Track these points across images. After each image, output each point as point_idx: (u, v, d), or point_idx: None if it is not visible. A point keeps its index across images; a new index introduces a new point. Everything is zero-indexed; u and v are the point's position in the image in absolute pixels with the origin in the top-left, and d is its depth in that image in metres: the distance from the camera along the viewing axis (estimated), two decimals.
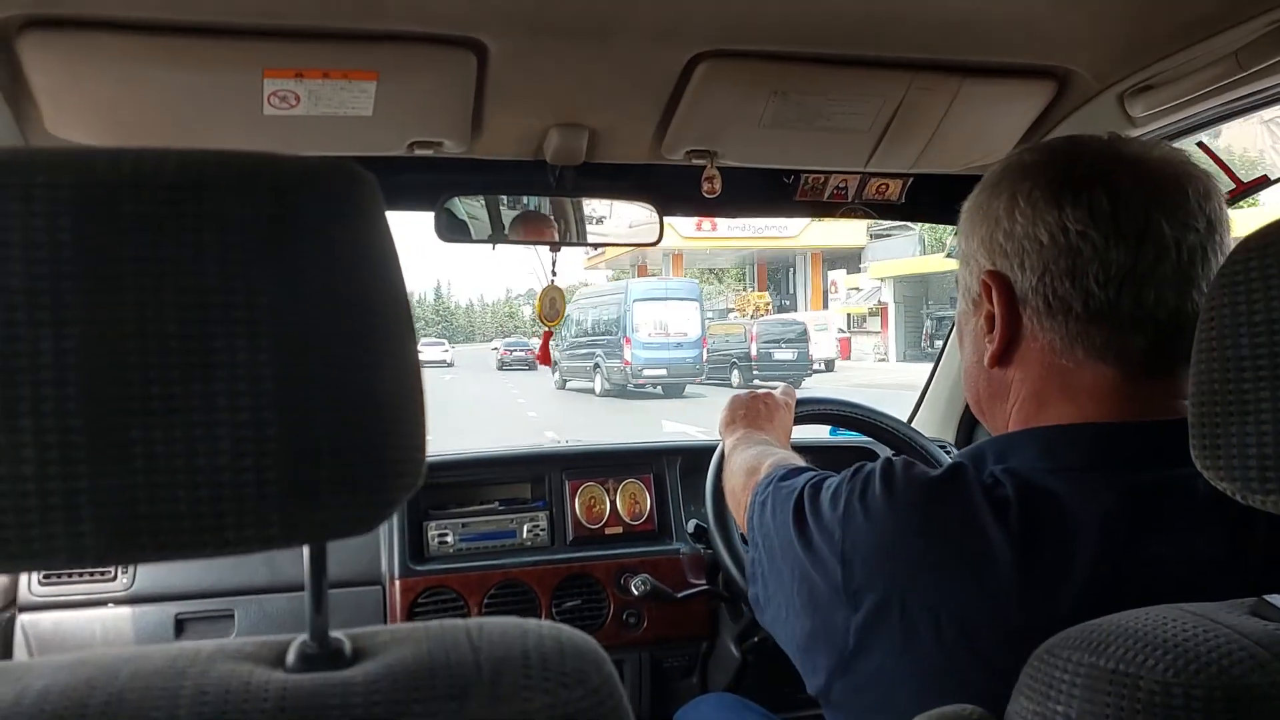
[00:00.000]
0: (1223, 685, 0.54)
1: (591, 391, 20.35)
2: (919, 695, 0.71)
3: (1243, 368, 0.60)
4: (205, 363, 0.43)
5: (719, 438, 1.40)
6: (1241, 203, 1.33)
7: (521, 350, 32.73)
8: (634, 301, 19.77)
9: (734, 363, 20.87)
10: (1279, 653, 0.55)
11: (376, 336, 0.48)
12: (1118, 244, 0.77)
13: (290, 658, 0.50)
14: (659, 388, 19.22)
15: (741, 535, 1.41)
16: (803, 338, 21.02)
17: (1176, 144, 1.32)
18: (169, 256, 0.43)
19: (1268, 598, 0.61)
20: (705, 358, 19.91)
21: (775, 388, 1.48)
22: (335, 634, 0.51)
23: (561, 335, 22.47)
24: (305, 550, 0.50)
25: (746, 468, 1.17)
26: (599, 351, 20.34)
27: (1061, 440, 0.79)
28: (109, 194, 0.43)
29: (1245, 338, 0.60)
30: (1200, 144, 1.38)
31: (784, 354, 20.40)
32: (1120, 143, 0.83)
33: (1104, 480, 0.75)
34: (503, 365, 32.58)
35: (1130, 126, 1.36)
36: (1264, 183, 1.34)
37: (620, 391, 19.34)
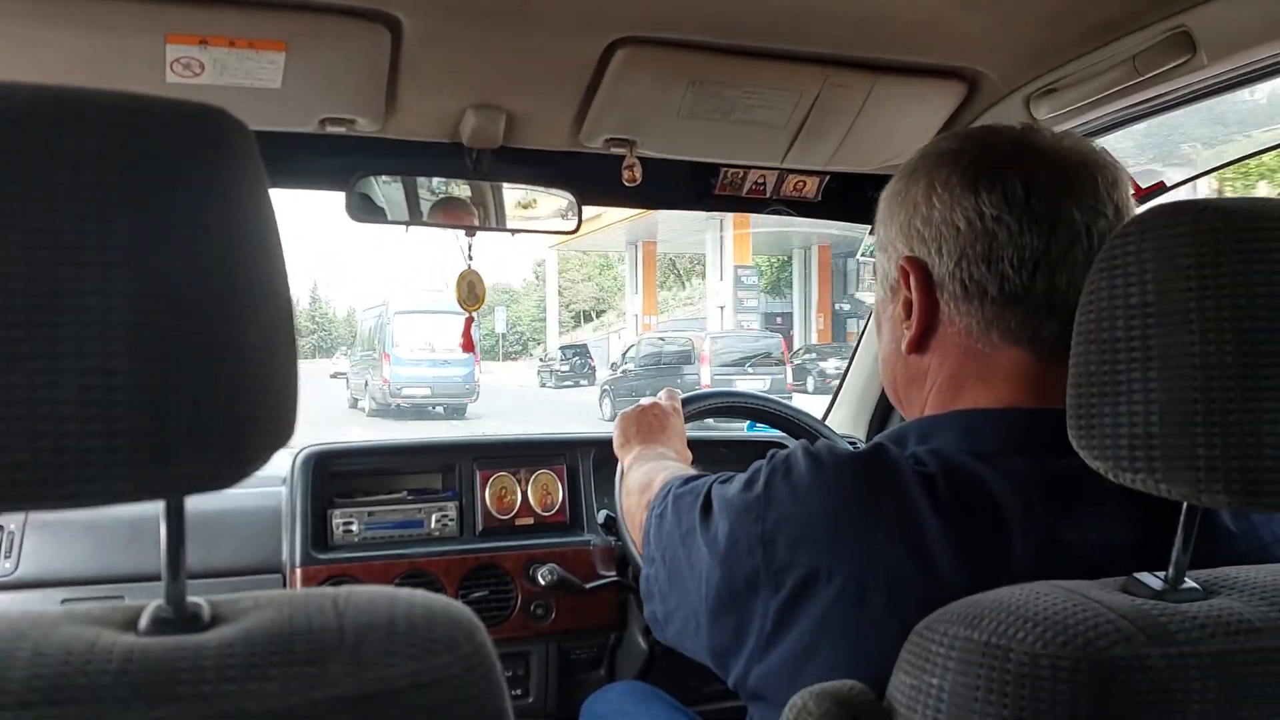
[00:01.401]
0: (1088, 657, 0.55)
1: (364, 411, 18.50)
2: (836, 667, 0.71)
3: (1117, 350, 0.61)
4: (52, 306, 0.41)
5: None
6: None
7: None
8: (395, 315, 18.18)
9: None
10: (1143, 626, 0.57)
11: (243, 288, 0.46)
12: (1031, 229, 0.78)
13: (143, 621, 0.48)
14: (439, 408, 17.57)
15: None
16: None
17: None
18: (16, 193, 0.41)
19: (1137, 575, 0.63)
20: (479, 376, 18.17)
21: (659, 395, 1.47)
22: (194, 599, 0.49)
23: (353, 351, 21.23)
24: (160, 506, 0.48)
25: (639, 485, 1.15)
26: (366, 368, 18.91)
27: (981, 424, 0.80)
28: None
29: (1120, 320, 0.61)
30: (1102, 149, 1.43)
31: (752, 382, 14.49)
32: (1033, 132, 0.85)
33: (1023, 464, 0.76)
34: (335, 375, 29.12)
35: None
36: (1160, 188, 1.39)
37: (389, 411, 17.38)
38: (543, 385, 25.02)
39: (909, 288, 0.85)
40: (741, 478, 0.85)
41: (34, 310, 0.41)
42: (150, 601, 0.49)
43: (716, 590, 0.82)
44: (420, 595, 0.51)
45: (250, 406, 0.46)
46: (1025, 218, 0.78)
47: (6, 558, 1.56)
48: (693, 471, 1.06)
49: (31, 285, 0.41)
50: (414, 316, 18.22)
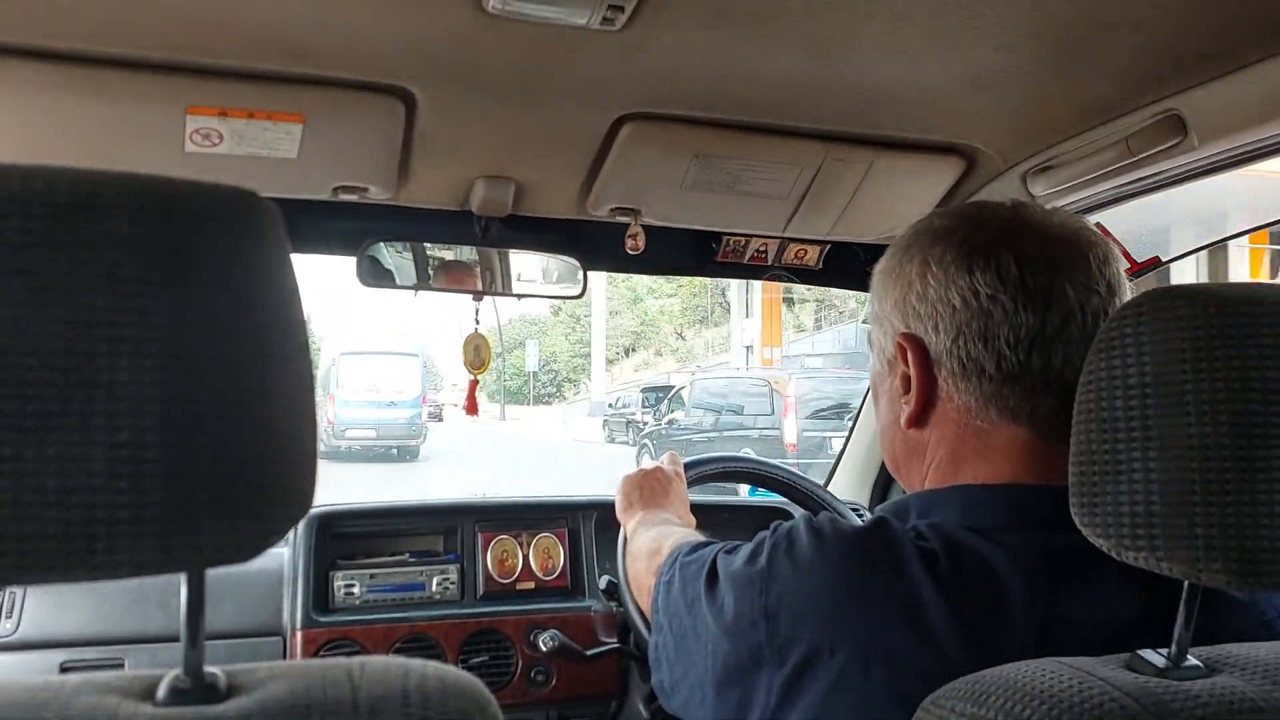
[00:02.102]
0: None
1: None
2: None
3: (1117, 429, 0.63)
4: (88, 381, 0.43)
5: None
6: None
7: None
8: (341, 356, 18.16)
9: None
10: (1147, 705, 0.58)
11: (270, 365, 0.48)
12: (1026, 307, 0.79)
13: (161, 692, 0.48)
14: (394, 450, 17.55)
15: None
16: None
17: None
18: (57, 273, 0.43)
19: (1141, 652, 0.64)
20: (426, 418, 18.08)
21: (661, 459, 1.47)
22: (211, 669, 0.49)
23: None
24: (182, 579, 0.49)
25: (648, 550, 1.15)
26: None
27: (982, 499, 0.81)
28: None
29: (1120, 400, 0.63)
30: (1099, 225, 1.46)
31: None
32: (1024, 209, 0.86)
33: (1024, 540, 0.76)
34: None
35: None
36: (1156, 263, 1.41)
37: (336, 454, 16.70)
38: (611, 440, 20.83)
39: (907, 363, 0.86)
40: (746, 549, 0.85)
41: (69, 385, 0.42)
42: (167, 671, 0.49)
43: (723, 662, 0.82)
44: (433, 667, 0.52)
45: (273, 478, 0.47)
46: (1020, 296, 0.79)
47: (8, 618, 1.55)
48: (700, 538, 1.07)
49: (69, 361, 0.42)
50: (360, 358, 18.24)
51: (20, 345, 0.42)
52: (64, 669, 1.56)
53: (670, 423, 14.87)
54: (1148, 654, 0.63)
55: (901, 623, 0.74)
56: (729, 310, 28.12)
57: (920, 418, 0.86)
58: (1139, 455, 0.61)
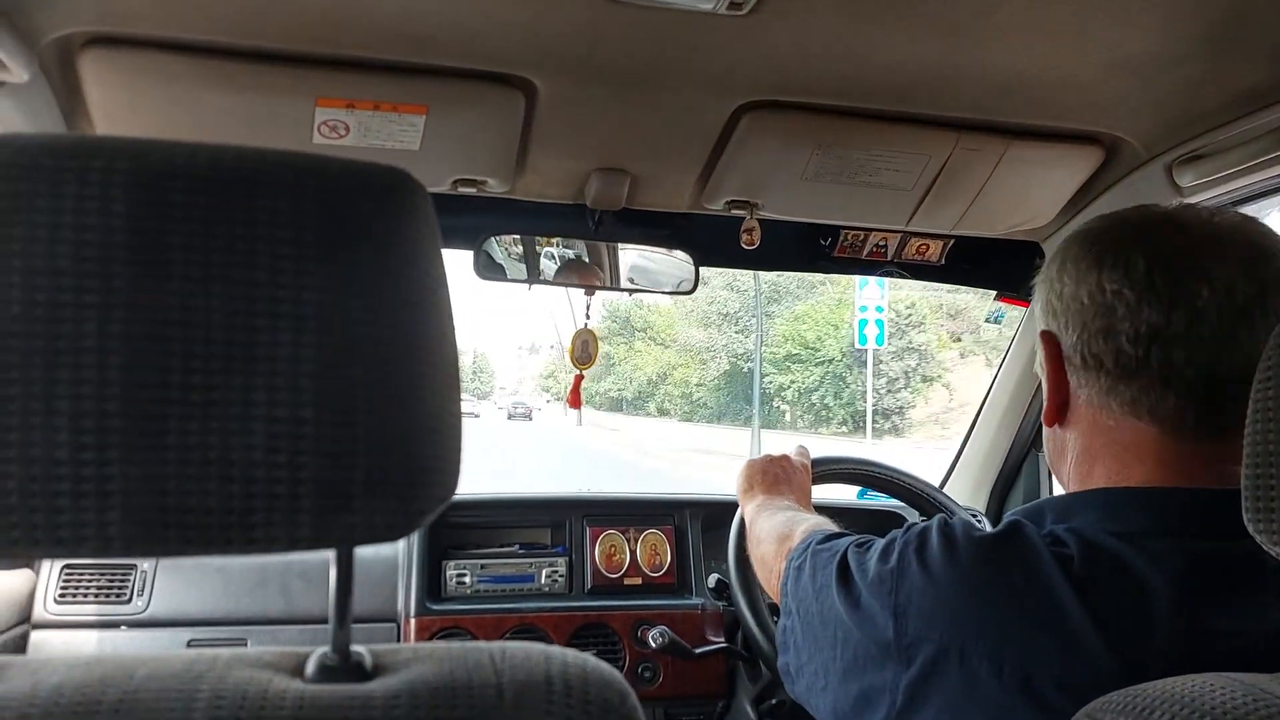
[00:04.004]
0: None
1: None
2: None
3: None
4: (247, 356, 0.42)
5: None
6: None
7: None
8: None
9: None
10: None
11: (421, 343, 0.47)
12: (1150, 304, 0.77)
13: (310, 668, 0.48)
14: None
15: (770, 604, 1.37)
16: None
17: None
18: (218, 249, 0.43)
19: None
20: None
21: (790, 450, 1.46)
22: (357, 648, 0.49)
23: None
24: (331, 556, 0.49)
25: (778, 535, 1.14)
26: None
27: (1124, 503, 0.78)
28: (162, 183, 0.43)
29: None
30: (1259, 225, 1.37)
31: None
32: (1179, 210, 0.84)
33: (1169, 548, 0.74)
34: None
35: (1177, 196, 1.35)
36: None
37: None
38: None
39: (1046, 360, 0.86)
40: (878, 546, 0.85)
41: (231, 359, 0.42)
42: (315, 649, 0.49)
43: (853, 652, 0.82)
44: (574, 655, 0.51)
45: (423, 458, 0.47)
46: (1145, 292, 0.78)
47: (140, 595, 1.62)
48: (834, 528, 1.07)
49: (231, 335, 0.42)
50: None
51: (186, 319, 0.42)
52: (191, 645, 1.62)
53: None
54: None
55: (1037, 626, 0.72)
56: None
57: (1059, 415, 0.86)
58: None
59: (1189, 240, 0.79)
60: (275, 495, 0.43)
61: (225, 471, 0.42)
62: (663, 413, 41.36)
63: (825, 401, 30.80)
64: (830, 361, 30.62)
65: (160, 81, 1.15)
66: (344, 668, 0.48)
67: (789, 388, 31.94)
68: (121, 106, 1.18)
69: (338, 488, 0.44)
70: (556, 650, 0.52)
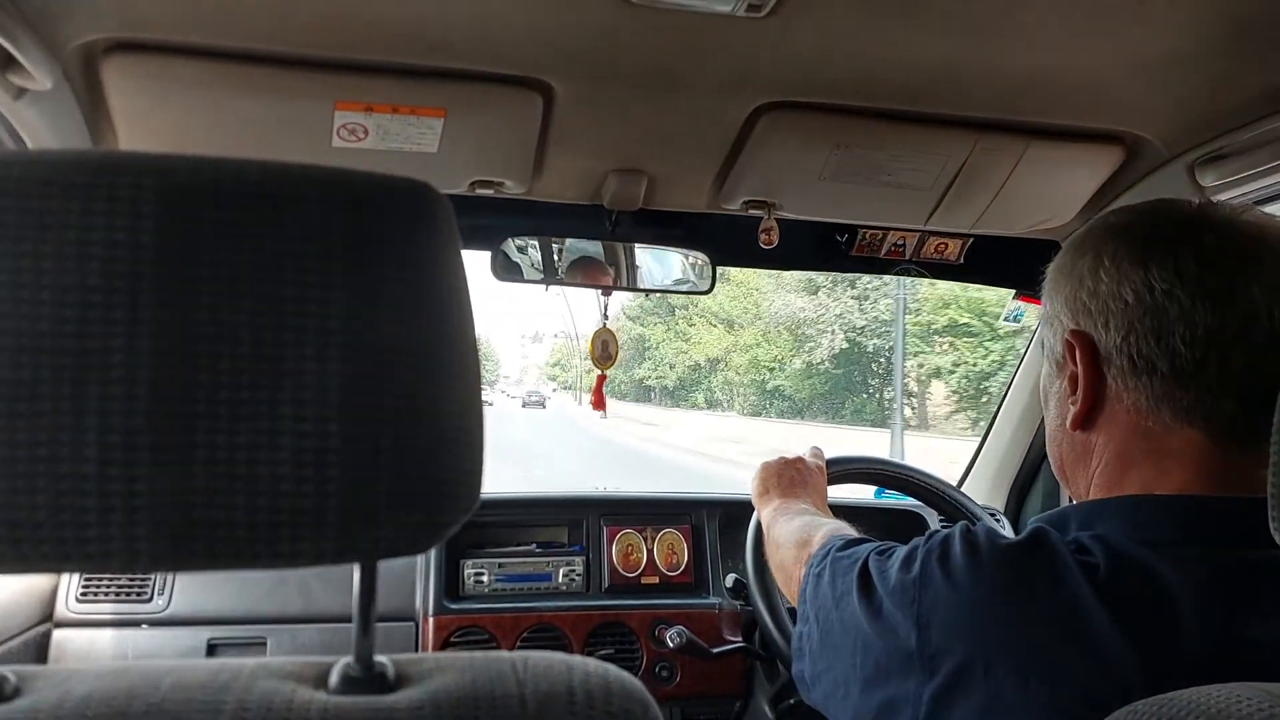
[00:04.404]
0: None
1: None
2: None
3: None
4: (275, 371, 0.43)
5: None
6: None
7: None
8: None
9: None
10: None
11: (444, 357, 0.47)
12: (1205, 305, 0.75)
13: (333, 679, 0.48)
14: None
15: (790, 608, 1.37)
16: None
17: None
18: (246, 264, 0.43)
19: None
20: None
21: (804, 451, 1.45)
22: (379, 658, 0.50)
23: None
24: (355, 570, 0.49)
25: (797, 540, 1.13)
26: None
27: (1153, 511, 0.76)
28: (190, 199, 0.43)
29: None
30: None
31: None
32: (1210, 206, 0.82)
33: (1197, 556, 0.72)
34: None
35: (1200, 196, 1.34)
36: None
37: None
38: None
39: (1075, 362, 0.82)
40: (900, 553, 0.83)
41: (258, 374, 0.43)
42: (337, 659, 0.50)
43: (874, 662, 0.81)
44: (595, 665, 0.51)
45: (447, 470, 0.47)
46: (1198, 293, 0.75)
47: (160, 595, 1.63)
48: (854, 533, 1.05)
49: (258, 349, 0.43)
50: None
51: (213, 334, 0.42)
52: (211, 644, 1.63)
53: None
54: None
55: (1062, 637, 0.70)
56: None
57: (1087, 419, 0.82)
58: None
59: (1235, 239, 0.77)
60: (302, 510, 0.43)
61: (252, 486, 0.42)
62: (712, 405, 35.57)
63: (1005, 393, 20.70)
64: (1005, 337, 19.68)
65: (182, 87, 1.15)
66: (367, 679, 0.48)
67: (955, 370, 22.77)
68: (143, 112, 1.19)
69: (363, 502, 0.44)
70: (578, 660, 0.52)
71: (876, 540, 0.92)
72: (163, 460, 0.42)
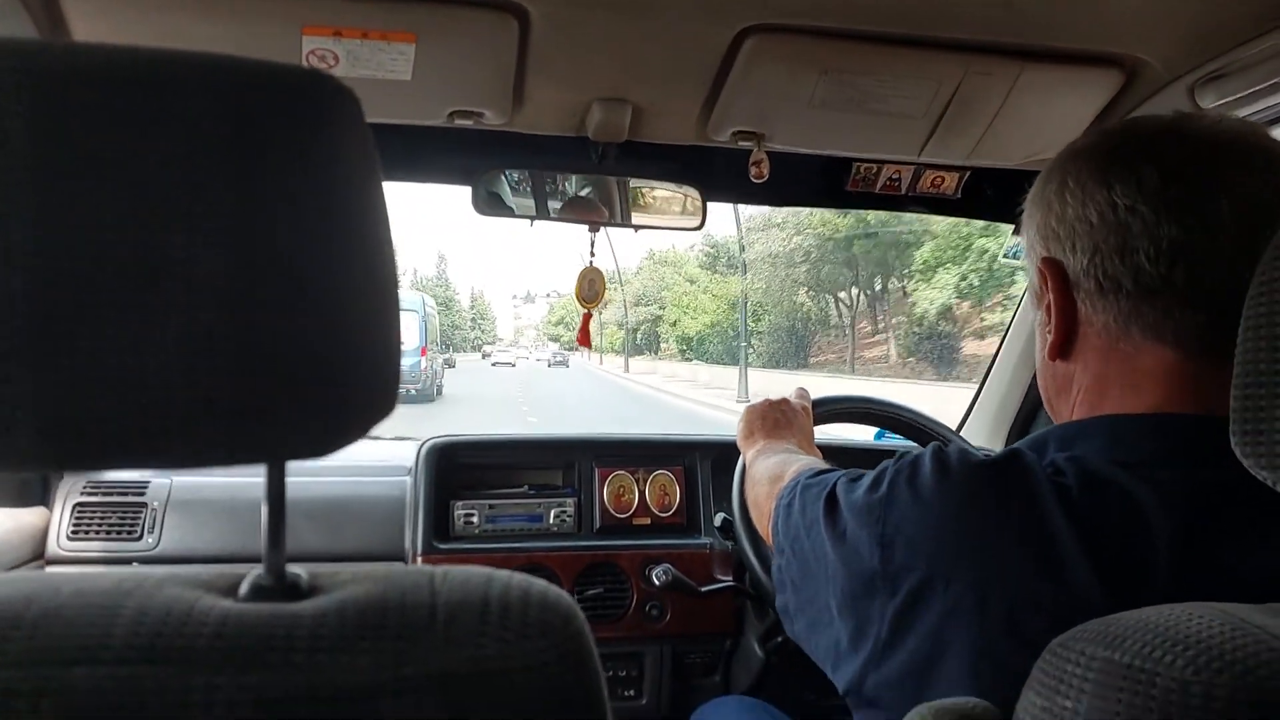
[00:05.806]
0: (1246, 687, 0.48)
1: None
2: (953, 682, 0.68)
3: None
4: (157, 265, 0.40)
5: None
6: None
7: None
8: None
9: None
10: None
11: (350, 255, 0.45)
12: (1168, 219, 0.72)
13: (243, 588, 0.47)
14: (410, 391, 20.15)
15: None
16: None
17: None
18: (125, 153, 0.41)
19: None
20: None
21: (790, 393, 1.43)
22: (294, 569, 0.48)
23: None
24: (264, 470, 0.47)
25: (770, 476, 1.13)
26: None
27: (1128, 430, 0.75)
28: (64, 86, 0.41)
29: None
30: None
31: None
32: (1181, 118, 0.78)
33: (1174, 477, 0.70)
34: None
35: None
36: None
37: None
38: None
39: (1048, 290, 0.80)
40: (868, 477, 0.82)
41: (140, 268, 0.40)
42: (253, 569, 0.48)
43: (841, 588, 0.80)
44: (519, 578, 0.49)
45: (349, 376, 0.45)
46: (1161, 206, 0.73)
47: (150, 533, 1.64)
48: (824, 465, 1.04)
49: (139, 244, 0.40)
50: None
51: (92, 223, 0.40)
52: None
53: None
54: None
55: (1025, 557, 0.69)
56: None
57: (1065, 348, 0.81)
58: None
59: (1202, 148, 0.74)
60: (190, 408, 0.41)
61: (139, 381, 0.40)
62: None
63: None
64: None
65: (139, 12, 1.12)
66: (278, 588, 0.47)
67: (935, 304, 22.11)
68: (101, 38, 1.16)
69: (257, 400, 0.42)
70: (504, 573, 0.50)
71: (847, 470, 0.90)
72: (43, 360, 0.40)
